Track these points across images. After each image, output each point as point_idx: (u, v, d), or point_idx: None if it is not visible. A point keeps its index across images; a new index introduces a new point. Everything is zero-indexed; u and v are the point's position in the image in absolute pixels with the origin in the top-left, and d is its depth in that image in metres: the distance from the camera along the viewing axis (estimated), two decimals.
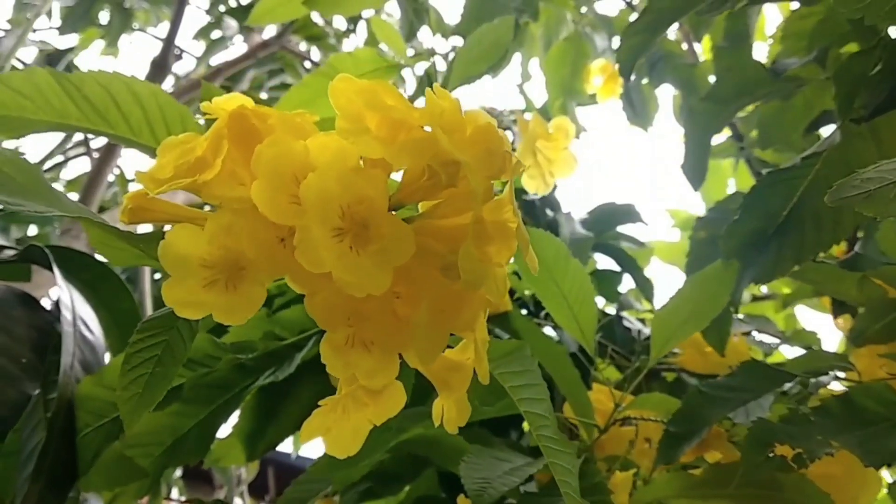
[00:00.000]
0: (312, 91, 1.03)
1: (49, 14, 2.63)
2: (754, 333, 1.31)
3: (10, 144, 2.46)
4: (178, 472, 2.03)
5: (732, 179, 1.93)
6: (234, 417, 0.87)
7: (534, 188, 1.18)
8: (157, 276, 2.57)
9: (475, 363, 0.49)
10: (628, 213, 1.45)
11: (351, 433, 0.47)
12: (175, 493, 2.18)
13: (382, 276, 0.39)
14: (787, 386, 0.75)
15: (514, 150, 0.99)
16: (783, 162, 1.43)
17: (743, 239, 0.86)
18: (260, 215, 0.40)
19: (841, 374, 0.86)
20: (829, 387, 0.82)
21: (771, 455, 0.66)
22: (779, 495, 0.69)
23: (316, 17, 2.46)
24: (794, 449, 0.66)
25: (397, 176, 0.44)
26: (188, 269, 0.40)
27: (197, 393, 0.72)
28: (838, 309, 1.16)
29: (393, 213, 0.41)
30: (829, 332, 3.52)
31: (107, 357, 0.76)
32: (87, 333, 0.74)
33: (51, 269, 0.73)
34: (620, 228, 1.48)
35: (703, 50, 1.84)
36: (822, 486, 0.69)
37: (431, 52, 1.49)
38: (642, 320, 1.35)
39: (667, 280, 2.46)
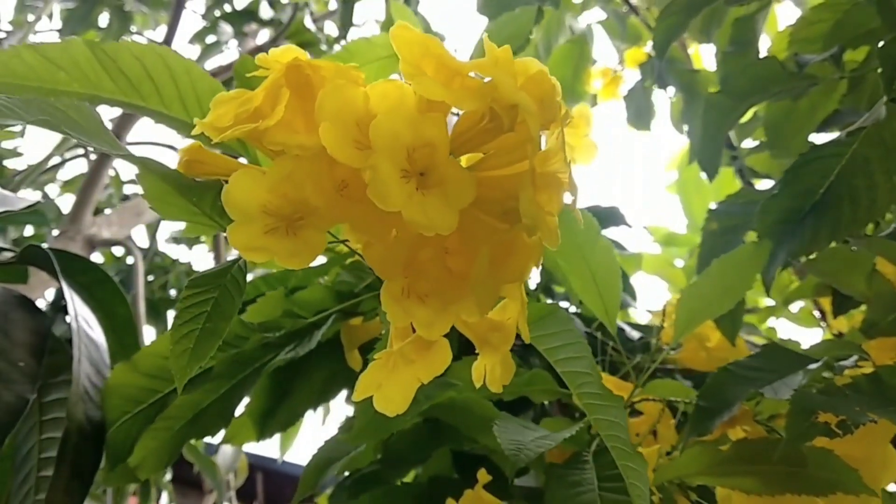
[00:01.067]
0: None
1: (50, 16, 2.64)
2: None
3: (8, 144, 2.46)
4: (168, 476, 2.02)
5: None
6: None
7: None
8: (150, 277, 2.57)
9: (519, 321, 0.50)
10: (612, 217, 1.44)
11: (400, 390, 0.47)
12: (164, 499, 2.17)
13: (450, 216, 0.39)
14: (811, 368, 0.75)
15: None
16: (775, 171, 1.46)
17: (779, 216, 0.87)
18: (321, 163, 0.40)
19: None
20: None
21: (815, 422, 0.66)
22: (804, 472, 0.69)
23: (308, 23, 2.48)
24: (837, 417, 0.66)
25: None
26: (250, 215, 0.40)
27: (221, 369, 0.72)
28: (840, 306, 1.16)
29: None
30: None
31: (107, 358, 0.76)
32: (89, 331, 0.74)
33: (48, 271, 0.73)
34: (604, 232, 1.47)
35: (693, 60, 1.88)
36: None
37: (442, 39, 1.50)
38: (631, 325, 1.34)
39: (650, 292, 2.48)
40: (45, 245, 0.84)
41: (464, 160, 0.47)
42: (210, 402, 0.75)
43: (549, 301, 1.18)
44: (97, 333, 0.75)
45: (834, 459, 0.69)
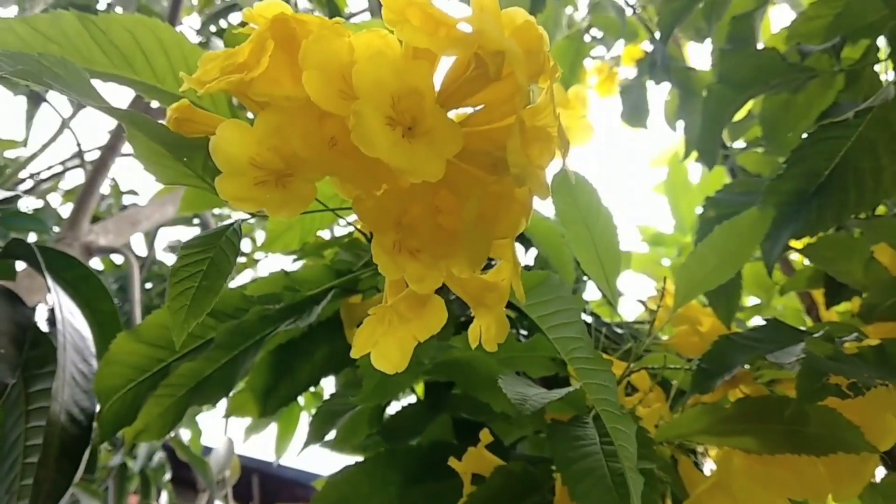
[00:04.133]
0: None
1: None
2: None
3: (11, 154, 2.47)
4: (168, 476, 2.05)
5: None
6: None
7: None
8: (148, 285, 2.60)
9: (512, 280, 0.50)
10: None
11: (397, 348, 0.47)
12: (164, 499, 2.19)
13: (436, 163, 0.39)
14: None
15: None
16: (766, 169, 1.46)
17: (784, 196, 0.87)
18: (309, 114, 0.41)
19: None
20: None
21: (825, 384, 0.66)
22: (805, 431, 0.69)
23: None
24: (847, 379, 0.66)
25: None
26: (239, 167, 0.40)
27: (222, 339, 0.72)
28: (833, 296, 1.16)
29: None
30: None
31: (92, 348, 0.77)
32: (73, 321, 0.75)
33: (31, 265, 0.74)
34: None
35: (686, 57, 1.88)
36: None
37: None
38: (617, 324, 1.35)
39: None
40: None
41: (453, 117, 0.48)
42: (212, 371, 0.76)
43: None
44: (82, 325, 0.76)
45: (837, 417, 0.69)
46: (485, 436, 0.77)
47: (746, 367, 0.77)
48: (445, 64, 0.44)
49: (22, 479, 0.64)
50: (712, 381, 0.70)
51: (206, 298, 0.45)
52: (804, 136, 0.88)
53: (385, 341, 0.47)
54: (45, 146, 2.48)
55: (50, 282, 0.74)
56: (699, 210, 1.12)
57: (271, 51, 0.41)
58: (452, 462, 0.77)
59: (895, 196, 0.86)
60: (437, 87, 0.43)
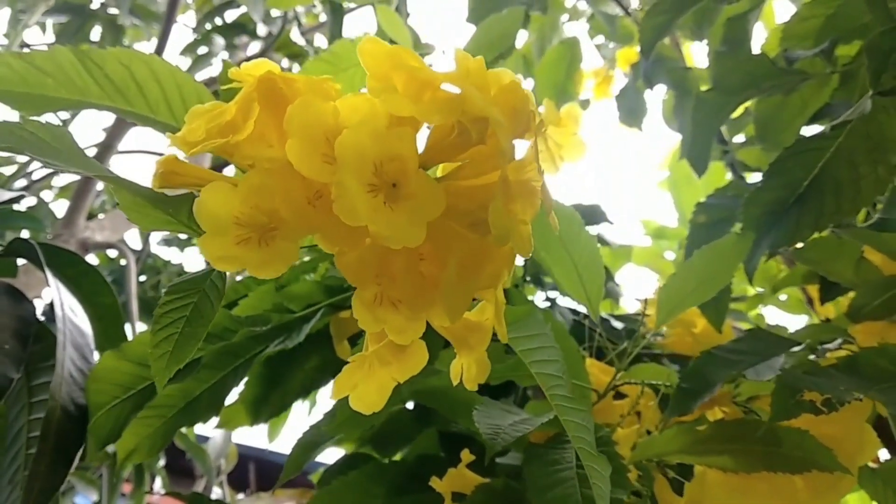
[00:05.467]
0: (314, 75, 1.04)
1: (43, 28, 2.68)
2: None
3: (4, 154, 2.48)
4: (162, 462, 2.07)
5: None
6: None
7: None
8: (143, 278, 2.62)
9: (495, 322, 0.51)
10: (594, 214, 1.45)
11: (376, 390, 0.49)
12: (158, 484, 2.22)
13: (417, 230, 0.40)
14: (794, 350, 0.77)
15: None
16: (766, 164, 1.46)
17: (764, 207, 0.88)
18: (292, 175, 0.41)
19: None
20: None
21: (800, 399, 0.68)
22: (780, 451, 0.70)
23: (296, 36, 2.51)
24: (822, 395, 0.67)
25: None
26: (222, 227, 0.41)
27: (211, 360, 0.74)
28: (827, 294, 1.17)
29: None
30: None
31: (92, 344, 0.78)
32: (74, 318, 0.76)
33: (34, 262, 0.75)
34: (591, 228, 1.48)
35: (685, 57, 1.88)
36: None
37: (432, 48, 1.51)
38: (616, 316, 1.36)
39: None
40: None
41: (439, 169, 0.48)
42: (201, 391, 0.77)
43: (539, 290, 1.20)
44: (82, 321, 0.78)
45: (808, 439, 0.71)
46: (465, 455, 0.79)
47: (724, 387, 0.78)
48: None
49: (25, 469, 0.67)
50: (692, 403, 0.72)
51: (188, 344, 0.46)
52: (785, 147, 0.89)
53: (364, 385, 0.48)
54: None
55: (51, 278, 0.75)
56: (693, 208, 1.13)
57: (256, 114, 0.41)
58: (434, 482, 0.78)
59: (871, 203, 0.87)
60: (421, 148, 0.44)
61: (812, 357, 0.78)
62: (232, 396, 0.85)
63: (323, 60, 1.05)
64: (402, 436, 0.95)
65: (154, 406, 0.74)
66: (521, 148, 0.48)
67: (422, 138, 0.45)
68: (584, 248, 0.80)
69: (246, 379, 0.87)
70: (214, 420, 0.84)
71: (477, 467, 0.80)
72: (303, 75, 0.44)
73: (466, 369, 0.51)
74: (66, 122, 2.52)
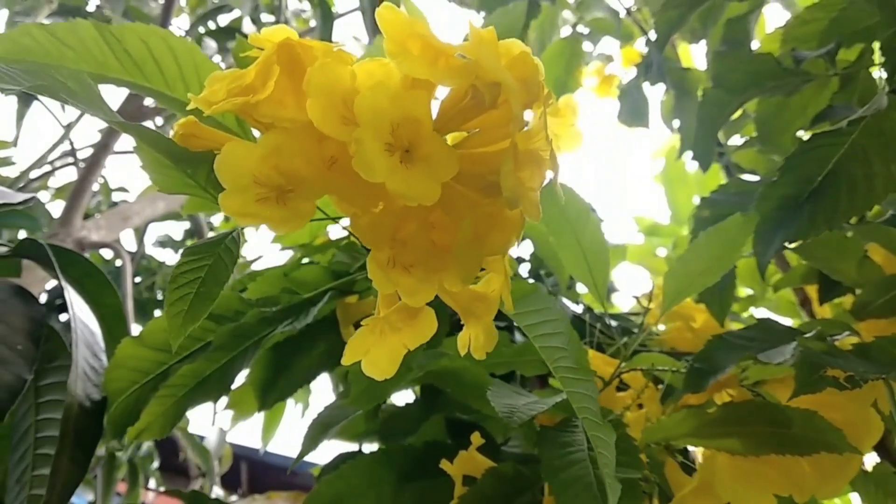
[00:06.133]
0: None
1: None
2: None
3: (2, 153, 2.50)
4: (156, 464, 2.08)
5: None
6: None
7: None
8: (138, 279, 2.64)
9: (502, 292, 0.52)
10: None
11: (388, 356, 0.49)
12: (152, 485, 2.23)
13: (432, 187, 0.41)
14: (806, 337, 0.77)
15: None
16: (761, 166, 1.48)
17: (777, 202, 0.89)
18: (310, 136, 0.43)
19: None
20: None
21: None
22: (789, 433, 0.71)
23: None
24: (845, 372, 0.68)
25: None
26: (242, 184, 0.42)
27: (221, 341, 0.75)
28: (827, 293, 1.18)
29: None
30: None
31: (101, 343, 0.79)
32: (84, 318, 0.77)
33: (42, 263, 0.77)
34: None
35: (682, 58, 1.90)
36: None
37: None
38: (612, 315, 1.36)
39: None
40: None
41: (449, 139, 0.50)
42: (211, 371, 0.78)
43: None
44: (91, 321, 0.79)
45: (818, 420, 0.71)
46: (475, 438, 0.80)
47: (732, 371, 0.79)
48: (443, 90, 0.46)
49: (33, 469, 0.67)
50: (705, 381, 0.72)
51: (203, 304, 0.47)
52: (799, 143, 0.90)
53: (376, 350, 0.49)
54: (46, 153, 2.51)
55: (62, 279, 0.76)
56: (695, 199, 1.14)
57: (277, 76, 0.43)
58: (444, 464, 0.79)
59: (885, 200, 0.88)
60: (435, 113, 0.45)
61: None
62: (238, 381, 0.86)
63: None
64: (409, 427, 0.96)
65: (166, 386, 0.76)
66: (529, 119, 0.50)
67: (435, 108, 0.47)
68: (593, 236, 0.81)
69: (254, 364, 0.88)
70: (214, 420, 0.86)
71: (483, 453, 0.81)
72: (319, 41, 0.46)
73: (474, 339, 0.52)
74: (71, 126, 2.54)
